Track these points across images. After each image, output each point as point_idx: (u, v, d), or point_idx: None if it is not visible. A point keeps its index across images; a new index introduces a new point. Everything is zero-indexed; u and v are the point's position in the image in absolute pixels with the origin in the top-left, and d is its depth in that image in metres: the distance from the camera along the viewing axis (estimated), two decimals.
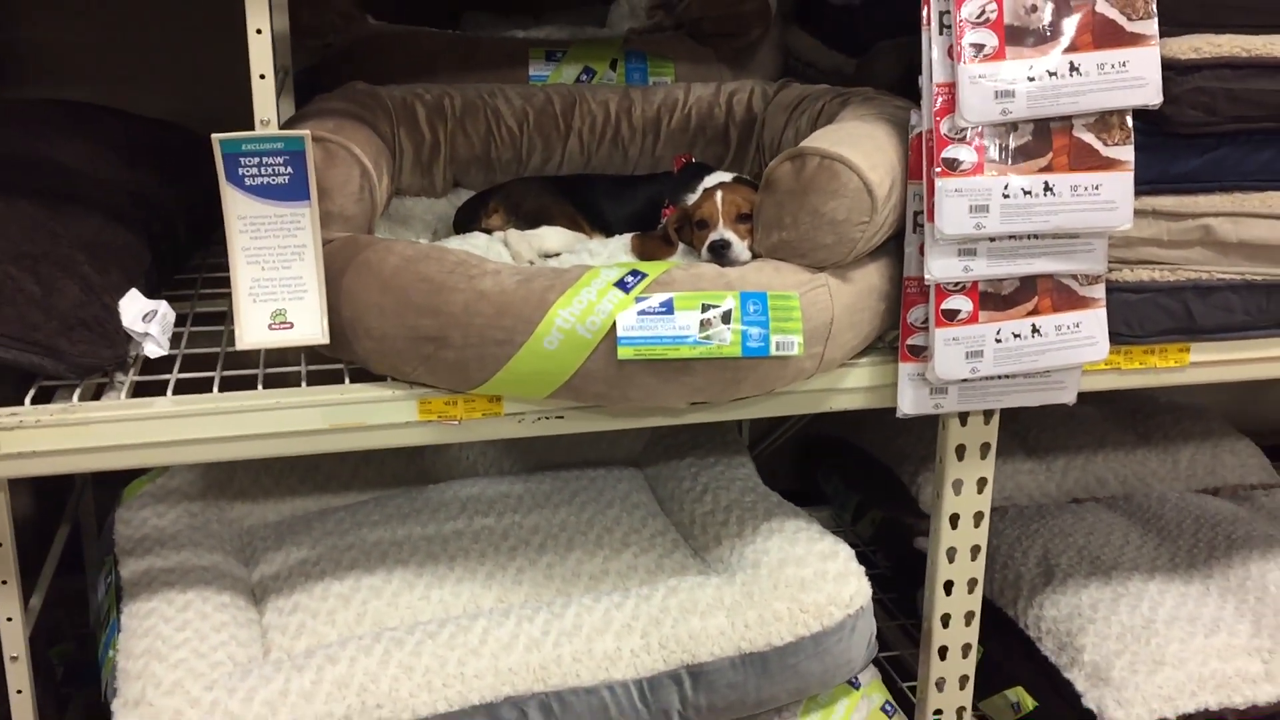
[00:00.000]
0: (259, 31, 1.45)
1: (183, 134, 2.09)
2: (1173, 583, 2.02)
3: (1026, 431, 2.52)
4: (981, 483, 1.73)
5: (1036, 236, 1.54)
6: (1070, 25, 1.48)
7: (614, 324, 1.42)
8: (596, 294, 1.43)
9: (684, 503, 1.91)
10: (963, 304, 1.55)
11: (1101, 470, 2.47)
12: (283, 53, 1.95)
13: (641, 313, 1.43)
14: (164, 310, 1.53)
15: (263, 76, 1.46)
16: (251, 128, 1.47)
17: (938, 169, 1.48)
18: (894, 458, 2.48)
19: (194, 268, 1.99)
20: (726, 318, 1.45)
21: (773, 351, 1.47)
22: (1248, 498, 2.41)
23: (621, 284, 1.45)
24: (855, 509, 2.60)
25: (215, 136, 1.40)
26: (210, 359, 1.61)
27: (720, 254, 1.57)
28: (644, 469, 2.09)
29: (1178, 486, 2.47)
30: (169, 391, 1.49)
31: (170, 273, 1.85)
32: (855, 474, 2.62)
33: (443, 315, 1.43)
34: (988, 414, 1.70)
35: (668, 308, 1.44)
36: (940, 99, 1.49)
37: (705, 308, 1.45)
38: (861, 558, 2.39)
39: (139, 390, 1.51)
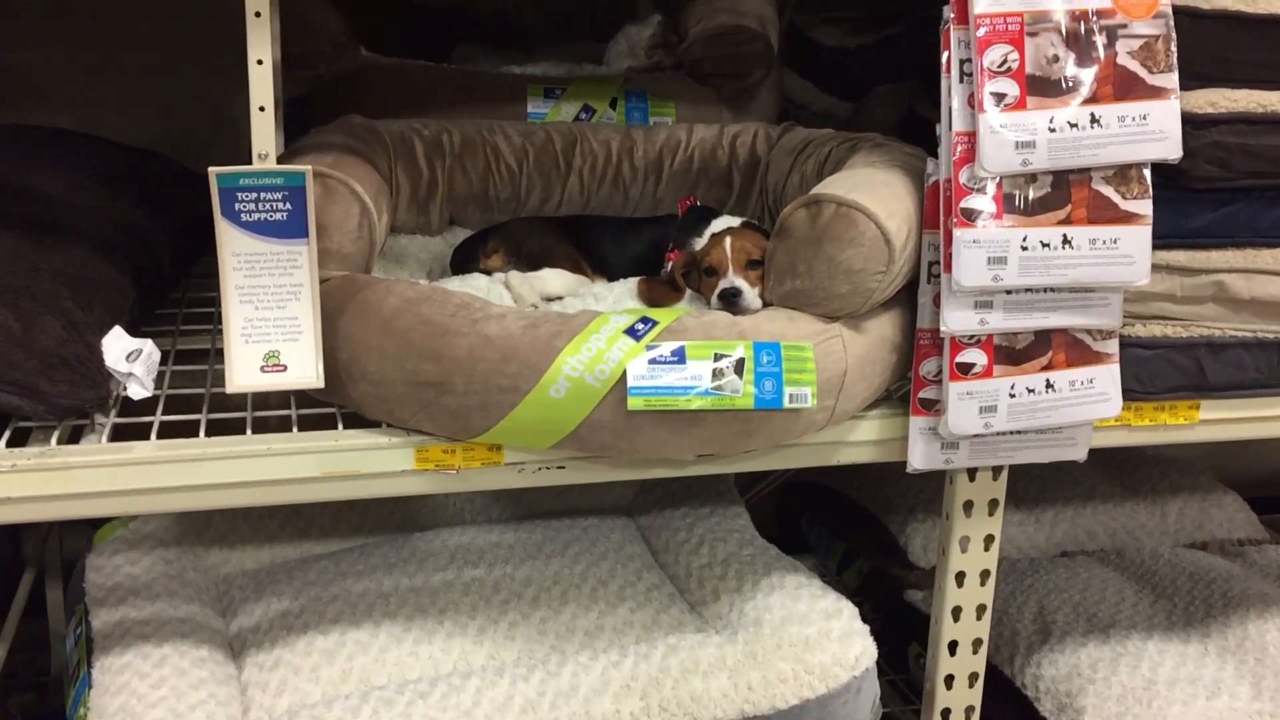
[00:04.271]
0: (260, 63, 1.39)
1: (164, 163, 2.03)
2: (1171, 642, 1.99)
3: (1014, 483, 2.47)
4: (989, 540, 1.69)
5: (1053, 290, 1.50)
6: (1091, 77, 1.45)
7: (624, 373, 1.37)
8: (606, 341, 1.38)
9: (679, 555, 1.85)
10: (978, 358, 1.51)
11: (1090, 523, 2.44)
12: (275, 84, 1.89)
13: (652, 361, 1.38)
14: (149, 350, 1.46)
15: (263, 109, 1.40)
16: (233, 157, 1.41)
17: (955, 219, 1.45)
18: (881, 506, 2.44)
19: (174, 302, 1.92)
20: (739, 368, 1.41)
21: (786, 404, 1.42)
22: (1239, 554, 2.40)
23: (632, 331, 1.40)
24: (841, 558, 2.55)
25: (212, 170, 1.33)
26: (195, 400, 1.54)
27: (731, 302, 1.52)
28: (636, 518, 2.03)
29: (1166, 541, 2.45)
30: (152, 435, 1.42)
31: (152, 308, 1.77)
32: (841, 522, 2.58)
33: (445, 360, 1.37)
34: (996, 470, 1.66)
35: (679, 357, 1.40)
36: (960, 148, 1.45)
37: (718, 357, 1.40)
38: None
39: (119, 433, 1.44)
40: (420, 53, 2.18)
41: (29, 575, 1.89)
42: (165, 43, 2.32)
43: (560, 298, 1.65)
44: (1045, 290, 1.50)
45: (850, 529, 2.53)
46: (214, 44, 1.88)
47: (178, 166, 2.03)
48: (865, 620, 1.61)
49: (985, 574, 1.70)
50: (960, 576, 1.69)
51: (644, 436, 1.40)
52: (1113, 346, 1.57)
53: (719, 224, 1.71)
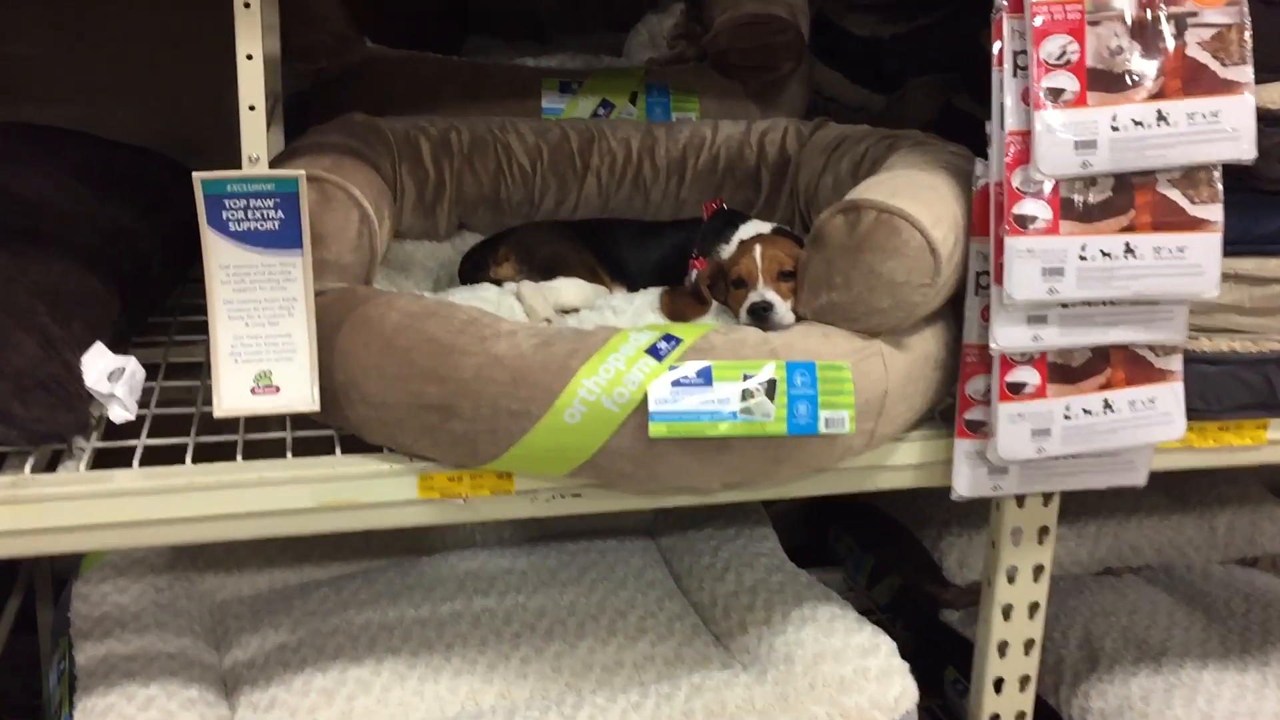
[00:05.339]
0: (250, 57, 1.28)
1: (162, 162, 1.92)
2: (1227, 671, 1.87)
3: None
4: (1038, 570, 1.57)
5: (1113, 303, 1.38)
6: (1158, 70, 1.32)
7: (645, 396, 1.25)
8: (625, 361, 1.27)
9: (703, 581, 1.73)
10: (1030, 376, 1.39)
11: (1135, 537, 2.32)
12: (272, 78, 1.78)
13: (676, 383, 1.27)
14: (133, 368, 1.35)
15: (253, 108, 1.29)
16: (238, 154, 1.31)
17: (1007, 226, 1.33)
18: (914, 519, 2.32)
19: (169, 309, 1.82)
20: (770, 390, 1.29)
21: (821, 429, 1.30)
22: None
23: (654, 350, 1.29)
24: (871, 572, 2.44)
25: (197, 176, 1.22)
26: (184, 421, 1.43)
27: (761, 317, 1.40)
28: (658, 539, 1.91)
29: (1215, 556, 2.32)
30: (135, 461, 1.31)
31: (143, 316, 1.67)
32: (871, 534, 2.46)
33: (451, 382, 1.26)
34: (1047, 495, 1.54)
35: (705, 378, 1.28)
36: (1013, 148, 1.33)
37: (747, 378, 1.29)
38: (877, 624, 2.24)
39: (101, 458, 1.33)
40: (430, 44, 2.07)
41: (18, 592, 1.79)
42: (167, 34, 2.22)
43: (576, 309, 1.53)
44: (1105, 303, 1.38)
45: (881, 542, 2.41)
46: (218, 36, 1.77)
47: (173, 165, 1.92)
48: (897, 639, 1.51)
49: (1034, 606, 1.58)
50: (1007, 609, 1.57)
51: (666, 465, 1.29)
52: (1176, 363, 1.45)
53: (747, 230, 1.59)
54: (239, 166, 1.32)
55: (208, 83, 2.09)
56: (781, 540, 1.90)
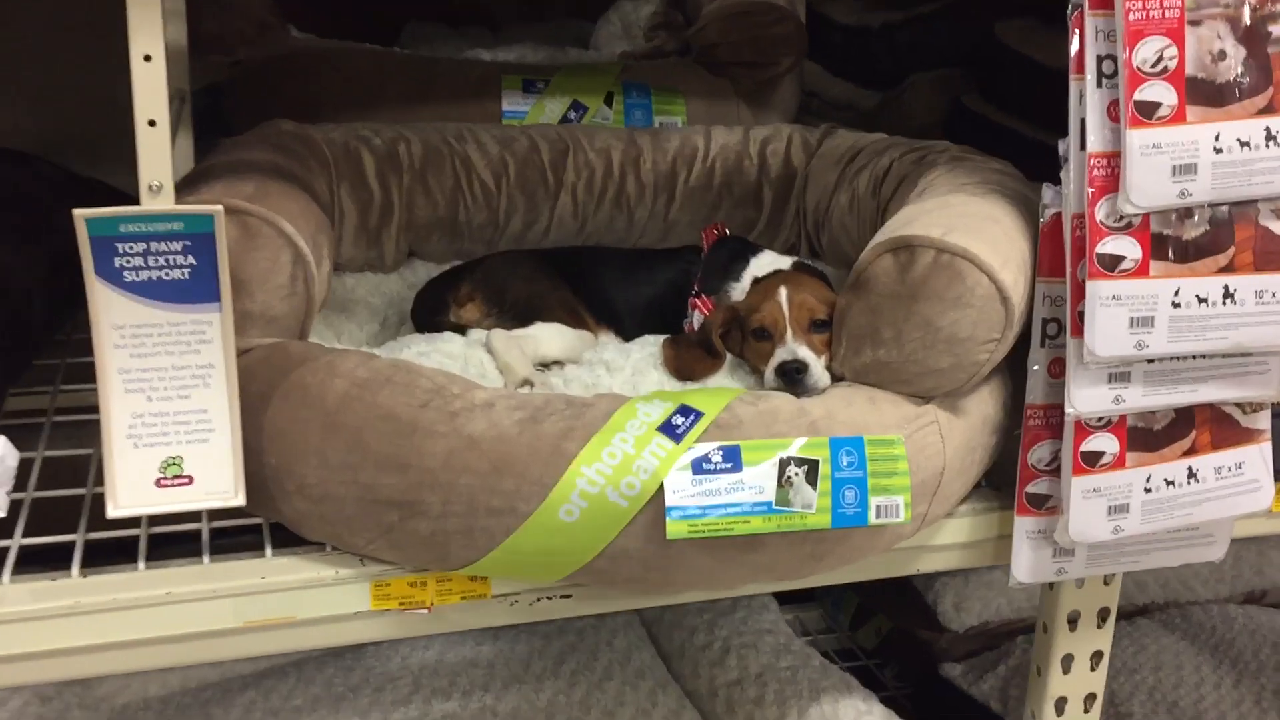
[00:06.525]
0: (148, 59, 0.99)
1: (47, 171, 1.61)
2: None
3: None
4: (1096, 658, 1.36)
5: (1204, 356, 1.16)
6: (1267, 79, 1.10)
7: (660, 487, 1.00)
8: (634, 443, 1.02)
9: (699, 665, 1.49)
10: (1108, 444, 1.17)
11: (1140, 572, 2.14)
12: (178, 74, 1.50)
13: (698, 469, 1.02)
14: (3, 451, 1.06)
15: (153, 123, 1.00)
16: None
17: (1090, 268, 1.10)
18: None
19: (57, 344, 1.51)
20: (812, 473, 1.05)
21: (872, 519, 1.06)
22: None
23: (668, 427, 1.04)
24: (854, 613, 2.23)
25: (79, 214, 0.94)
26: (73, 506, 1.14)
27: (794, 379, 1.15)
28: (640, 610, 1.66)
29: (1223, 589, 2.17)
30: (6, 571, 1.03)
31: (18, 369, 1.37)
32: None
33: (414, 471, 1.00)
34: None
35: (733, 461, 1.03)
36: (1097, 174, 1.10)
37: (782, 459, 1.04)
38: (864, 672, 2.03)
39: None
40: (362, 33, 1.78)
41: None
42: (63, 19, 1.90)
43: (559, 363, 1.26)
44: (1194, 356, 1.16)
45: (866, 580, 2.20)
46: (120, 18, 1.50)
47: (60, 175, 1.62)
48: (891, 691, 1.29)
49: (1090, 698, 1.37)
50: (1061, 703, 1.35)
51: (684, 568, 1.05)
52: (1264, 420, 1.25)
53: (762, 264, 1.34)
54: None
55: (113, 76, 1.80)
56: None
